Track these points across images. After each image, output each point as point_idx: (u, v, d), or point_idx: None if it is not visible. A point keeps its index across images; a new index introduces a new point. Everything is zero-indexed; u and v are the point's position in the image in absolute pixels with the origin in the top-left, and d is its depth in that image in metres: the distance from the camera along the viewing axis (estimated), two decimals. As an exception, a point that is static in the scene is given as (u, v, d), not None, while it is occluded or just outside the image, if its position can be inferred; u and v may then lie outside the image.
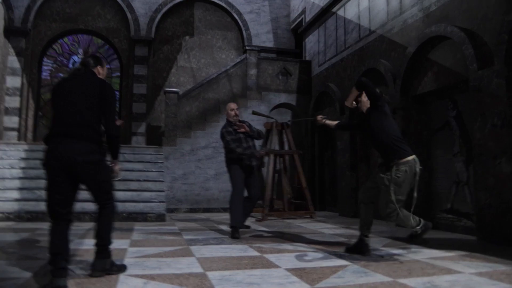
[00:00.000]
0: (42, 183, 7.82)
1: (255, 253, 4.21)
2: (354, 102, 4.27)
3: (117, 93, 12.26)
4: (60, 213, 2.95)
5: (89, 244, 4.63)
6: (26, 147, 9.13)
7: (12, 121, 10.93)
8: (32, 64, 11.56)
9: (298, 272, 3.32)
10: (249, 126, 5.91)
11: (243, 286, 2.91)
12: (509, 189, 4.78)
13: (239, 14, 12.85)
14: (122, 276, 3.16)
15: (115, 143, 3.20)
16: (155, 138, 11.50)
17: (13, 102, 11.01)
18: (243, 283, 2.98)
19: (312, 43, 11.19)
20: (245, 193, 5.89)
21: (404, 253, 4.19)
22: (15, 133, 10.89)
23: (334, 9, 9.80)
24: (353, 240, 4.74)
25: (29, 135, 11.39)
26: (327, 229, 6.41)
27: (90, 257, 3.86)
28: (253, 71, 10.99)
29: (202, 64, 12.68)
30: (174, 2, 12.42)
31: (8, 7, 11.23)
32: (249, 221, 6.89)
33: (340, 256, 4.01)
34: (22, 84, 11.19)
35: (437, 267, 3.53)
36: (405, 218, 3.98)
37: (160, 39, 12.43)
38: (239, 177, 5.60)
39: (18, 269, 3.39)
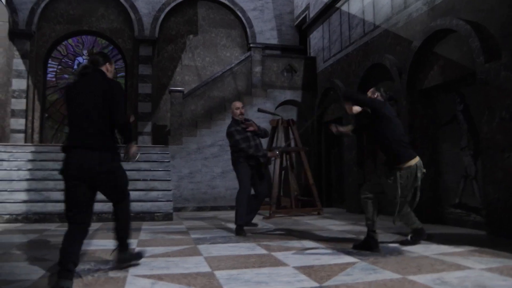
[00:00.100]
0: (50, 184, 7.94)
1: (263, 251, 4.19)
2: (355, 108, 4.26)
3: (122, 93, 12.27)
4: (77, 218, 3.00)
5: (97, 244, 4.67)
6: (32, 148, 9.17)
7: (19, 123, 11.00)
8: (37, 66, 11.61)
9: (306, 270, 3.30)
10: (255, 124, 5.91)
11: (251, 285, 2.89)
12: (519, 182, 4.74)
13: (243, 11, 12.82)
14: (130, 277, 3.16)
15: (124, 129, 3.21)
16: (161, 137, 11.52)
17: (19, 104, 11.08)
18: (251, 282, 2.97)
19: (316, 39, 11.14)
20: (252, 191, 5.90)
21: (413, 249, 4.15)
22: (21, 135, 10.96)
23: (338, 5, 9.74)
24: (361, 237, 4.72)
25: (36, 136, 11.45)
26: (335, 225, 6.38)
27: (97, 258, 3.89)
28: (257, 69, 10.96)
29: (207, 62, 12.67)
30: (177, 1, 12.42)
31: (12, 10, 11.28)
32: (256, 219, 6.87)
33: (348, 253, 3.99)
34: (28, 86, 11.25)
35: (447, 263, 3.50)
36: (407, 214, 4.15)
37: (164, 39, 12.43)
38: (246, 175, 5.59)
39: (26, 271, 3.40)
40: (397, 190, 3.90)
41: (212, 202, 9.83)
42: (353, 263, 3.53)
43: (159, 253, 4.10)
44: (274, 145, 8.64)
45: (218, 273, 3.25)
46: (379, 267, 3.38)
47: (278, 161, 8.37)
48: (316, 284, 2.88)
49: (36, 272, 3.34)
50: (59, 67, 12.33)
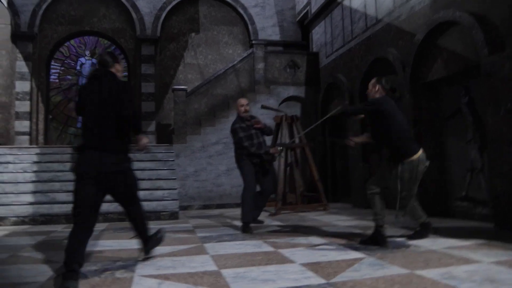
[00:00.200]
0: (55, 185, 7.96)
1: (270, 249, 4.18)
2: (355, 139, 4.43)
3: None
4: (83, 218, 3.05)
5: (103, 245, 4.68)
6: (38, 150, 9.19)
7: (23, 125, 11.03)
8: (40, 68, 11.63)
9: (314, 267, 3.29)
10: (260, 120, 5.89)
11: (258, 283, 2.88)
12: (526, 174, 4.70)
13: (244, 8, 12.78)
14: (136, 277, 3.16)
15: (132, 121, 3.24)
16: (165, 136, 11.53)
17: (23, 106, 11.11)
18: (258, 280, 2.96)
19: (318, 34, 11.09)
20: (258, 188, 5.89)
21: (420, 243, 4.12)
22: (26, 137, 11.00)
23: (339, -1, 9.69)
24: (368, 232, 4.70)
25: (40, 138, 11.48)
26: (341, 221, 6.36)
27: (104, 259, 3.89)
28: (260, 65, 10.93)
29: (209, 60, 12.65)
30: (178, 0, 12.38)
31: (14, 13, 11.30)
32: (262, 216, 6.87)
33: (355, 249, 3.97)
34: (31, 88, 11.27)
35: (455, 257, 3.48)
36: (413, 209, 4.19)
37: (166, 37, 12.41)
38: (250, 172, 5.58)
39: (33, 273, 3.41)
40: (397, 184, 3.91)
41: (218, 200, 9.83)
42: (360, 259, 3.51)
43: (165, 253, 4.10)
44: (278, 141, 8.62)
45: (224, 272, 3.24)
46: (386, 262, 3.36)
47: (283, 157, 8.35)
48: (324, 281, 2.87)
49: (43, 274, 3.35)
50: (62, 68, 12.34)
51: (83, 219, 3.04)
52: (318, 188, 8.32)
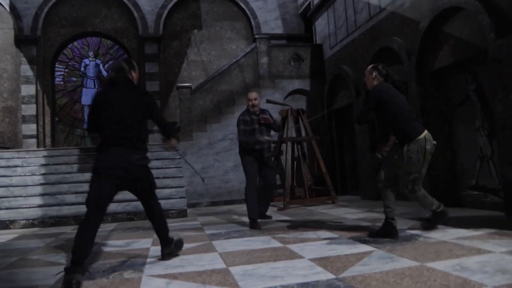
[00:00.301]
0: (64, 187, 7.99)
1: (278, 244, 4.15)
2: (384, 149, 4.36)
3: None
4: (97, 208, 3.16)
5: (112, 245, 4.68)
6: (45, 153, 9.23)
7: (30, 128, 11.10)
8: (44, 70, 11.68)
9: (323, 262, 3.25)
10: (271, 116, 5.81)
11: (266, 280, 2.85)
12: (537, 160, 4.61)
13: (246, 3, 12.70)
14: (144, 277, 3.14)
15: (168, 127, 3.77)
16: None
17: (30, 109, 11.17)
18: (266, 277, 2.93)
19: (322, 26, 10.98)
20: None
21: (430, 234, 4.07)
22: (34, 140, 11.07)
23: (341, -11, 9.57)
24: (377, 224, 4.66)
25: (48, 141, 11.55)
26: (350, 214, 6.31)
27: (112, 259, 3.88)
28: (264, 60, 10.85)
29: (213, 56, 12.60)
30: (179, -3, 12.35)
31: (17, 17, 11.33)
32: (270, 211, 6.85)
33: (364, 242, 3.92)
34: (37, 91, 11.33)
35: (466, 247, 3.41)
36: (423, 197, 4.08)
37: (169, 35, 12.39)
38: (251, 168, 5.55)
39: (42, 276, 3.41)
40: (406, 166, 3.91)
41: (226, 196, 9.81)
42: (370, 252, 3.46)
43: (173, 252, 4.08)
44: (285, 135, 8.57)
45: (233, 269, 3.21)
46: (396, 255, 3.31)
47: (290, 151, 8.31)
48: (333, 276, 2.83)
49: (52, 277, 3.33)
50: (66, 70, 12.37)
51: (93, 211, 3.14)
52: (326, 181, 8.27)
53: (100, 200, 3.17)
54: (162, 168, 8.81)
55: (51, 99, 11.84)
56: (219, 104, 10.67)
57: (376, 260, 3.18)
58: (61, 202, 7.43)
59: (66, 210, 7.19)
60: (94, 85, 12.48)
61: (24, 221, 6.93)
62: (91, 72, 12.43)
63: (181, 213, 7.43)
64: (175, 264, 3.55)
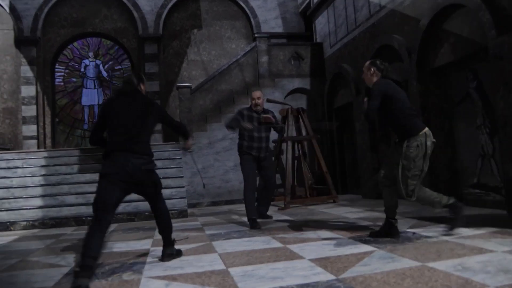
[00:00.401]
0: (64, 188, 7.98)
1: (278, 245, 4.13)
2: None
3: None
4: (104, 212, 3.16)
5: (112, 247, 4.65)
6: (45, 154, 9.21)
7: (30, 129, 11.09)
8: (44, 71, 11.67)
9: (323, 262, 3.23)
10: (274, 117, 5.77)
11: (266, 281, 2.82)
12: (539, 158, 4.57)
13: (246, 1, 12.67)
14: (144, 279, 3.13)
15: (184, 129, 4.06)
16: (171, 134, 11.49)
17: (30, 110, 11.16)
18: (266, 278, 2.90)
19: (322, 24, 10.95)
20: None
21: (432, 234, 4.04)
22: (34, 141, 11.06)
23: (341, -12, 9.53)
24: (378, 223, 4.63)
25: (48, 142, 11.54)
26: (351, 213, 6.28)
27: (112, 260, 3.87)
28: (264, 59, 10.82)
29: (213, 56, 12.57)
30: (178, -4, 12.32)
31: (17, 18, 11.32)
32: (271, 211, 6.82)
33: (365, 242, 3.90)
34: (37, 92, 11.32)
35: (468, 246, 3.39)
36: (426, 196, 3.90)
37: (169, 35, 12.36)
38: (249, 168, 5.53)
39: (41, 278, 3.40)
40: (404, 163, 3.80)
41: (226, 196, 9.79)
42: (371, 252, 3.44)
43: (173, 252, 4.06)
44: (285, 134, 8.54)
45: (232, 270, 3.19)
46: (397, 255, 3.29)
47: (290, 150, 8.29)
48: (333, 277, 2.80)
49: (52, 279, 3.33)
50: (66, 71, 12.36)
51: (100, 215, 3.14)
52: (327, 180, 8.24)
53: (106, 204, 3.19)
54: (162, 168, 8.77)
55: (51, 100, 11.83)
56: (219, 103, 10.65)
57: (377, 260, 3.16)
58: (62, 203, 7.41)
59: (66, 211, 7.18)
60: (94, 86, 12.47)
61: (25, 223, 6.92)
62: (91, 72, 12.42)
63: (182, 214, 7.40)
64: (175, 265, 3.53)
